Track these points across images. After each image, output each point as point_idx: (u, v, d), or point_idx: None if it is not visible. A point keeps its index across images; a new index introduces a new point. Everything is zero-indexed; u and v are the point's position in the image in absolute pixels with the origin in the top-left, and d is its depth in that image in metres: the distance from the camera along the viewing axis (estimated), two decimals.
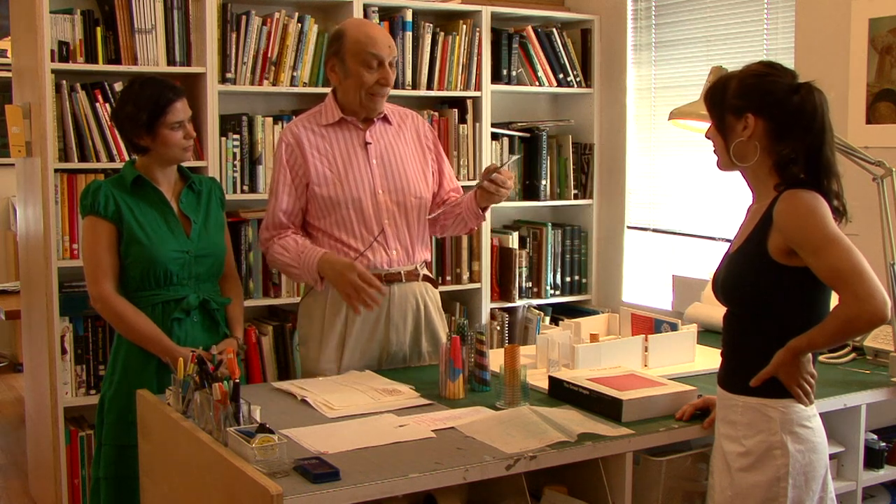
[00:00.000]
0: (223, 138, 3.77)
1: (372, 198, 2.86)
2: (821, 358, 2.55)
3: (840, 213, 2.14)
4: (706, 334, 3.15)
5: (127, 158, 3.17)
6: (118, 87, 3.55)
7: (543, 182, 4.50)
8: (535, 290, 4.54)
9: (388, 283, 2.87)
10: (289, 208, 2.88)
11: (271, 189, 2.93)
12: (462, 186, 3.16)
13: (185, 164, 3.61)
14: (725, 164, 2.22)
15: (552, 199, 4.57)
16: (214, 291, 2.91)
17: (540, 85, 4.46)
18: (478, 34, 4.25)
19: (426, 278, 3.00)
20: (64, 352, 3.56)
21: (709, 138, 2.25)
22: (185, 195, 2.88)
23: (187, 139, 2.81)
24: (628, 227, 4.58)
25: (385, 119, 2.96)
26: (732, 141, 2.16)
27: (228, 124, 3.80)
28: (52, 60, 3.47)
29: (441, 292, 3.14)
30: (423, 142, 3.03)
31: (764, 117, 2.12)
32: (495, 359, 2.63)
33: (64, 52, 3.51)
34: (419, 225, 2.95)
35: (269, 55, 3.84)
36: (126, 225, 2.75)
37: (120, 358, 2.81)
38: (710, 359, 2.85)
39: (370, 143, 2.90)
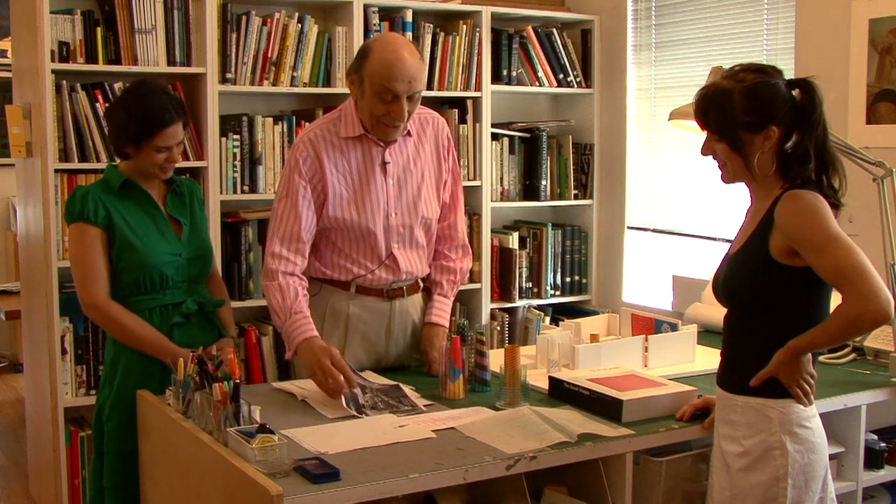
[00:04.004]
0: (223, 138, 3.77)
1: (384, 221, 2.77)
2: (821, 358, 2.55)
3: (836, 207, 2.14)
4: (706, 334, 3.15)
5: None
6: (118, 87, 3.54)
7: (543, 182, 4.50)
8: (536, 290, 4.54)
9: (389, 298, 2.85)
10: (304, 236, 2.73)
11: (284, 208, 2.72)
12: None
13: (185, 164, 3.67)
14: (737, 176, 2.18)
15: (552, 199, 4.57)
16: (206, 293, 2.89)
17: (540, 85, 4.46)
18: (478, 34, 4.25)
19: (424, 289, 2.98)
20: (64, 352, 3.55)
21: (707, 155, 2.20)
22: (171, 198, 2.85)
23: (169, 163, 2.75)
24: (628, 228, 4.58)
25: (406, 132, 2.83)
26: (754, 155, 2.12)
27: (228, 124, 3.80)
28: (53, 60, 3.47)
29: None
30: (441, 151, 2.92)
31: (783, 125, 2.11)
32: (495, 359, 2.63)
33: (64, 52, 3.50)
34: (427, 245, 2.91)
35: (269, 55, 3.84)
36: (118, 231, 2.70)
37: (121, 364, 2.75)
38: (710, 359, 2.85)
39: (388, 163, 2.79)
